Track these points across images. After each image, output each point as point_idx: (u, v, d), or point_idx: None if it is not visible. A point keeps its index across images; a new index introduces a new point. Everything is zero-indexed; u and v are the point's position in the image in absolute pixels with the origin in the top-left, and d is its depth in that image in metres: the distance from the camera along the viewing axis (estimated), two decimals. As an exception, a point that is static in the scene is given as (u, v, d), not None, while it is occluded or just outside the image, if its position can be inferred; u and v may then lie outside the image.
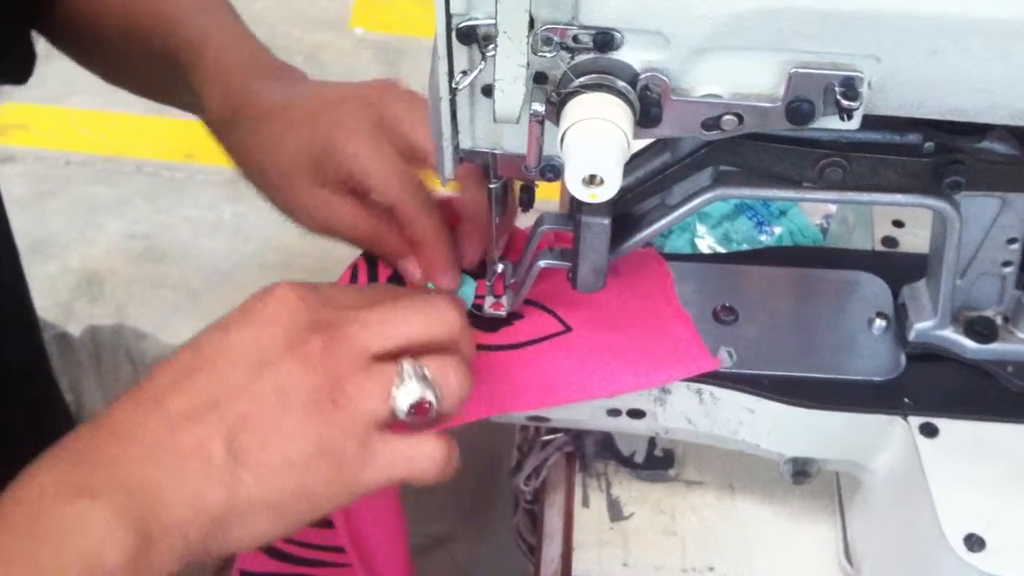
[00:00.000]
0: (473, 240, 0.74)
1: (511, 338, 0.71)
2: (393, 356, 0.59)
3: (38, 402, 0.88)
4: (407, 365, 0.58)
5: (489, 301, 0.73)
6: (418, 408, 0.58)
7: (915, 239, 0.82)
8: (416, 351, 0.59)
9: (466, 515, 0.98)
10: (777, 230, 0.90)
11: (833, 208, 0.90)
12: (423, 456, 0.58)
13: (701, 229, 0.90)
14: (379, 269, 0.76)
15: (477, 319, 0.73)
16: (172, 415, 0.55)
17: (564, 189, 0.97)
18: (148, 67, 0.86)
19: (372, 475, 0.57)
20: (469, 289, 0.74)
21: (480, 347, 0.70)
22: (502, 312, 0.72)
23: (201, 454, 0.54)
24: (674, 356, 0.70)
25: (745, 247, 0.88)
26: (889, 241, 0.83)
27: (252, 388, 0.56)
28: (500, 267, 0.73)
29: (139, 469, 0.54)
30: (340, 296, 0.61)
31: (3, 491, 0.53)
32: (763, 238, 0.89)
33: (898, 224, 0.84)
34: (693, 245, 0.90)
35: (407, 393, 0.57)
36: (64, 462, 0.54)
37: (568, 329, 0.72)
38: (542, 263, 0.70)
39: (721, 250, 0.89)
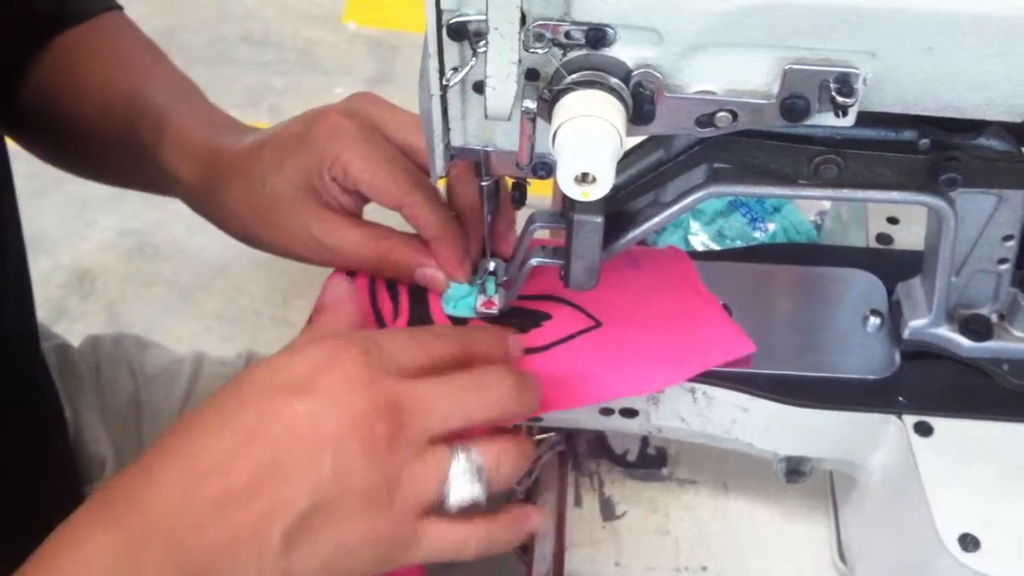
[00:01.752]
0: (471, 237, 0.73)
1: (542, 339, 0.71)
2: (448, 438, 0.58)
3: (34, 415, 0.87)
4: (464, 461, 0.57)
5: (480, 299, 0.72)
6: (469, 503, 0.58)
7: (910, 236, 0.81)
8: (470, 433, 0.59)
9: None
10: (771, 227, 0.90)
11: (827, 205, 0.90)
12: (468, 547, 0.58)
13: (695, 226, 0.90)
14: (399, 287, 0.74)
15: (505, 321, 0.72)
16: (231, 492, 0.53)
17: (556, 186, 0.97)
18: (121, 152, 0.85)
19: (415, 557, 0.57)
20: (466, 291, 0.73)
21: None
22: (494, 311, 0.72)
23: (256, 539, 0.53)
24: (711, 342, 0.70)
25: (739, 244, 0.88)
26: (884, 238, 0.82)
27: (312, 472, 0.54)
28: (492, 265, 0.72)
29: (192, 546, 0.52)
30: (400, 355, 0.59)
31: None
32: (757, 235, 0.89)
33: (893, 221, 0.83)
34: (687, 242, 0.89)
35: (459, 491, 0.57)
36: (115, 526, 0.53)
37: (598, 324, 0.71)
38: (534, 261, 0.69)
39: (715, 247, 0.88)
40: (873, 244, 0.82)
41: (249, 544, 0.53)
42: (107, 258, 2.21)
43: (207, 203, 0.80)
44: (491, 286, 0.72)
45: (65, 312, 2.07)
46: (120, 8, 0.93)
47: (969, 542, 0.61)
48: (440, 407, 0.58)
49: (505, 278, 0.72)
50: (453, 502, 0.57)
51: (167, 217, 2.25)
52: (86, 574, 0.51)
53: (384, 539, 0.56)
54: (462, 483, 0.57)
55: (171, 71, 0.90)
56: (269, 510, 0.53)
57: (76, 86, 0.88)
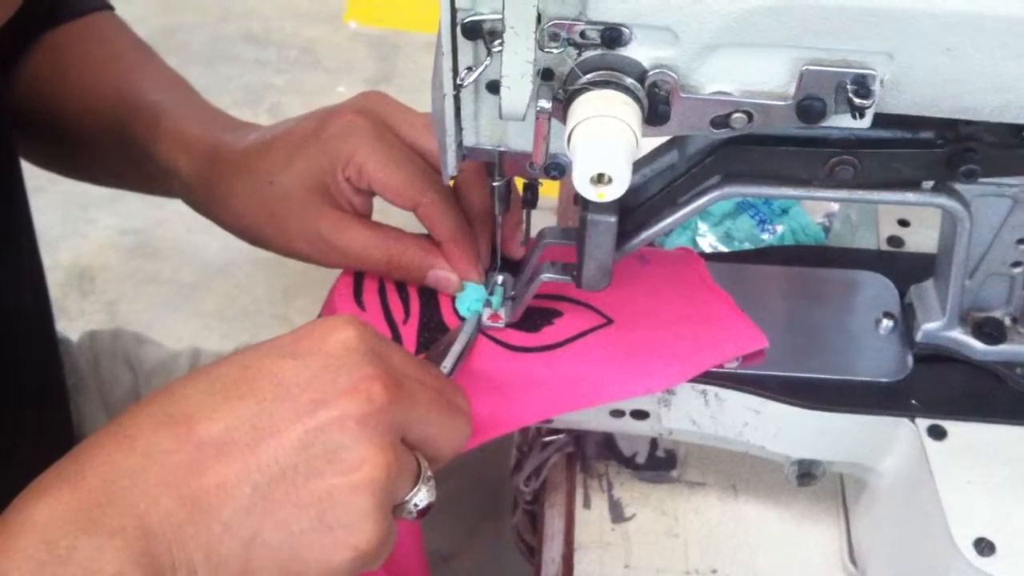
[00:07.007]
0: (481, 238, 0.73)
1: (553, 337, 0.70)
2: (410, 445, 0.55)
3: (47, 412, 0.86)
4: (428, 470, 0.55)
5: (487, 313, 0.71)
6: (423, 512, 0.55)
7: (921, 239, 0.81)
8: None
9: (470, 530, 0.96)
10: (779, 228, 0.89)
11: (835, 207, 0.89)
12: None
13: (702, 228, 0.90)
14: (408, 289, 0.74)
15: (518, 321, 0.71)
16: (204, 442, 0.50)
17: (563, 190, 0.96)
18: (111, 149, 0.84)
19: (374, 544, 0.53)
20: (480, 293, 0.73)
21: (525, 349, 0.70)
22: (500, 324, 0.71)
23: (226, 495, 0.49)
24: (724, 336, 0.70)
25: (747, 246, 0.87)
26: (895, 241, 0.82)
27: (294, 431, 0.51)
28: (500, 279, 0.72)
29: (160, 502, 0.49)
30: (393, 353, 0.57)
31: (8, 497, 0.50)
32: (765, 236, 0.89)
33: (904, 223, 0.83)
34: (695, 244, 0.89)
35: (425, 495, 0.55)
36: (78, 482, 0.49)
37: (610, 321, 0.71)
38: (544, 277, 0.68)
39: (723, 249, 0.88)
40: (884, 247, 0.82)
41: (217, 499, 0.49)
42: (107, 256, 2.21)
43: (207, 199, 0.78)
44: (497, 299, 0.71)
45: (64, 311, 2.06)
46: (111, 8, 0.92)
47: (984, 546, 0.61)
48: (420, 411, 0.55)
49: (513, 293, 0.72)
50: (420, 503, 0.55)
51: (167, 216, 2.25)
52: (41, 534, 0.47)
53: (347, 526, 0.51)
54: (427, 489, 0.55)
55: (162, 68, 0.89)
56: (242, 462, 0.50)
57: (63, 83, 0.86)
